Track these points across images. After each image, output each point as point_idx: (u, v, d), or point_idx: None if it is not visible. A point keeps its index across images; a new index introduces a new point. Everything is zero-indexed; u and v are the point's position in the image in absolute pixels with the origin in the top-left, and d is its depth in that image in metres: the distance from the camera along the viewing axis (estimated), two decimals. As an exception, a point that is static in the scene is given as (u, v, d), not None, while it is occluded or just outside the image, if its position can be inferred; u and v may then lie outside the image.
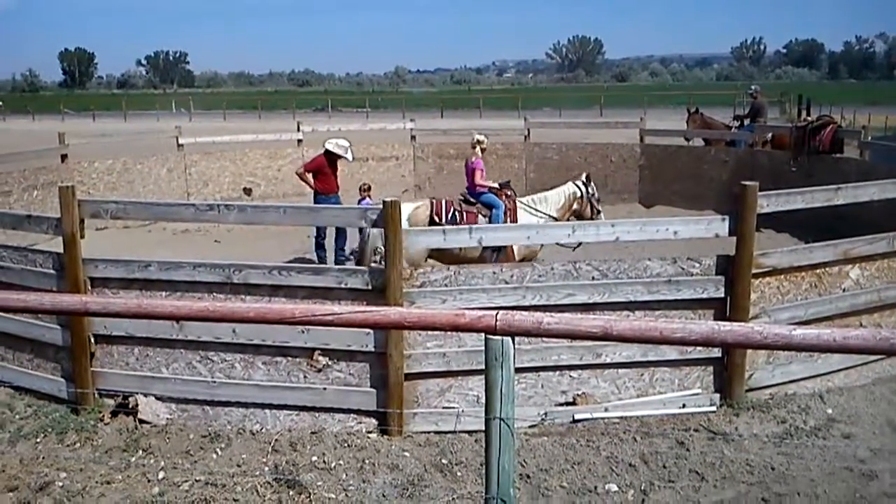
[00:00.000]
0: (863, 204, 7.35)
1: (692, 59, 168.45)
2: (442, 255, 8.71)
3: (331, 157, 12.24)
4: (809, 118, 15.77)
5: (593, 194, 10.46)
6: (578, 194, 10.36)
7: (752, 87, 20.74)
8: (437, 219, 9.43)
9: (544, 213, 10.11)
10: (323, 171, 12.26)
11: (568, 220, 10.00)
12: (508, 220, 9.67)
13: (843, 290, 6.74)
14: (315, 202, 11.85)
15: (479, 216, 9.77)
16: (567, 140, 19.11)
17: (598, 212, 10.44)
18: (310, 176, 12.24)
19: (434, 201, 9.79)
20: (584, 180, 10.52)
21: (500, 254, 8.88)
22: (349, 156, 12.38)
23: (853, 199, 6.93)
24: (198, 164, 17.78)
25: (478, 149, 10.51)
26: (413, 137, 19.36)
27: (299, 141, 18.69)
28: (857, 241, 6.72)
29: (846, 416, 6.19)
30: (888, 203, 7.72)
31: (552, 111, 54.18)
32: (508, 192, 10.27)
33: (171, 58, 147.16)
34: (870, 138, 14.75)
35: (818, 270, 6.57)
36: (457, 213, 9.67)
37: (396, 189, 18.00)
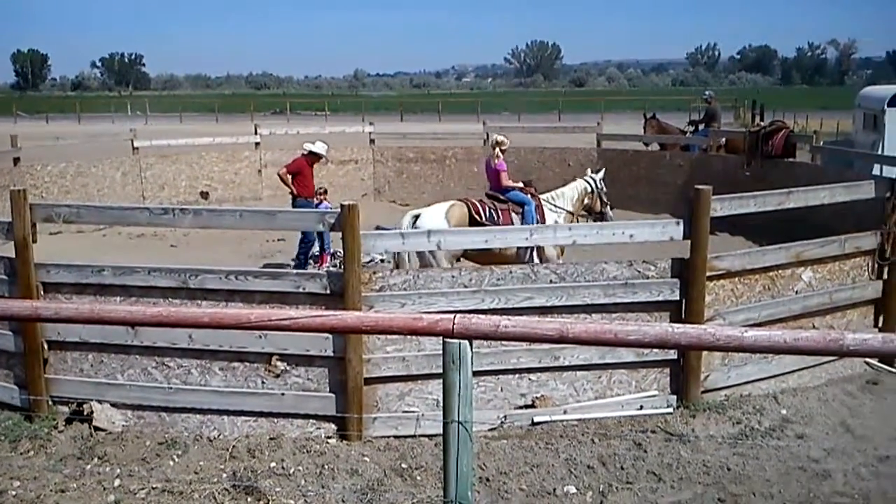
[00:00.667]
0: (816, 207, 7.50)
1: (648, 65, 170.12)
2: (479, 256, 8.83)
3: (310, 160, 12.21)
4: (762, 123, 16.05)
5: (602, 189, 10.65)
6: (589, 189, 10.56)
7: (707, 93, 21.07)
8: (477, 217, 9.55)
9: (562, 209, 10.34)
10: (303, 172, 12.19)
11: (580, 214, 10.39)
12: (538, 216, 9.91)
13: (796, 293, 6.87)
14: (293, 206, 11.77)
15: (513, 213, 9.96)
16: (525, 144, 19.22)
17: (607, 204, 10.67)
18: (289, 178, 12.14)
19: (469, 201, 9.85)
20: (593, 175, 10.74)
21: (533, 252, 9.10)
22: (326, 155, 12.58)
23: (804, 203, 7.06)
24: (153, 167, 17.59)
25: (497, 150, 10.56)
26: (372, 141, 19.37)
27: (257, 144, 18.60)
28: (809, 244, 6.86)
29: (800, 416, 6.31)
30: (840, 206, 7.89)
31: (511, 116, 54.44)
32: (532, 191, 10.44)
33: (126, 60, 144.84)
34: (821, 143, 15.04)
35: (771, 273, 6.69)
36: (492, 211, 9.81)
37: (356, 192, 17.98)
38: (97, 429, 5.98)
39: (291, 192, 12.14)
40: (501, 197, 10.17)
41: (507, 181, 10.35)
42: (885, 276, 7.40)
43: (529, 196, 10.21)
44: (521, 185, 10.49)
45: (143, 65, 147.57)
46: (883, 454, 5.67)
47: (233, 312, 3.48)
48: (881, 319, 7.52)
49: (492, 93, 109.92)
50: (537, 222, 9.63)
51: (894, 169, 9.28)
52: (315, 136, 22.17)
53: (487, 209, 9.77)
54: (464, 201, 9.84)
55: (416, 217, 9.44)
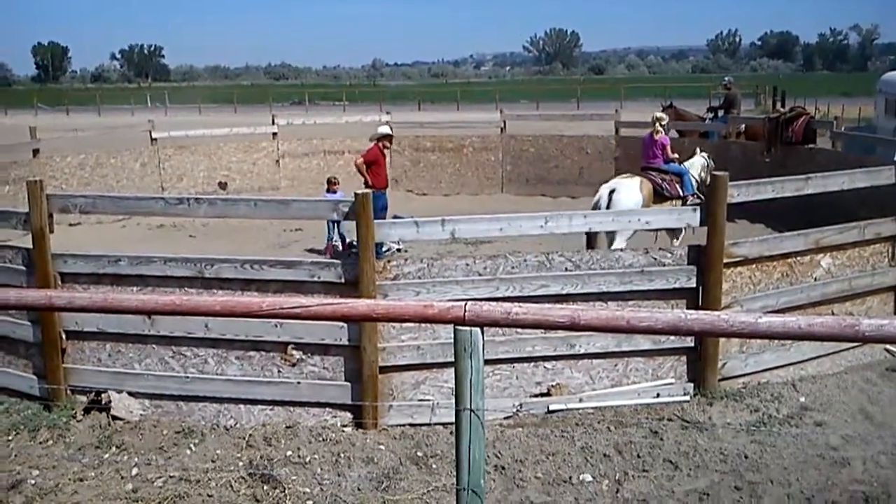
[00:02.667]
0: (837, 194, 7.42)
1: (668, 52, 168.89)
2: None
3: (382, 148, 11.98)
4: (782, 109, 15.88)
5: (712, 165, 11.55)
6: (705, 164, 11.66)
7: (726, 79, 20.88)
8: (658, 189, 10.58)
9: (696, 178, 11.36)
10: (378, 162, 11.92)
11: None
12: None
13: (815, 279, 6.80)
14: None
15: (676, 184, 10.90)
16: (543, 132, 19.16)
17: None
18: (364, 168, 11.80)
19: (647, 176, 10.66)
20: (703, 153, 11.99)
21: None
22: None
23: (822, 189, 6.98)
24: (171, 158, 17.67)
25: (658, 125, 11.52)
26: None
27: (274, 134, 18.65)
28: (827, 230, 6.79)
29: (818, 404, 6.25)
30: (861, 192, 7.79)
31: (529, 104, 54.19)
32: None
33: (145, 51, 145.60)
34: (842, 129, 14.87)
35: (789, 260, 6.62)
36: (665, 183, 10.77)
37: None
38: (115, 418, 6.02)
39: (367, 184, 11.50)
40: (664, 168, 11.07)
41: (670, 153, 11.34)
42: (906, 263, 7.31)
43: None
44: (677, 156, 11.54)
45: (163, 56, 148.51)
46: (902, 442, 5.62)
47: (244, 301, 3.49)
48: (902, 306, 7.43)
49: (510, 81, 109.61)
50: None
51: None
52: (333, 125, 22.33)
53: (662, 181, 10.67)
54: (643, 176, 10.63)
55: (612, 191, 10.06)
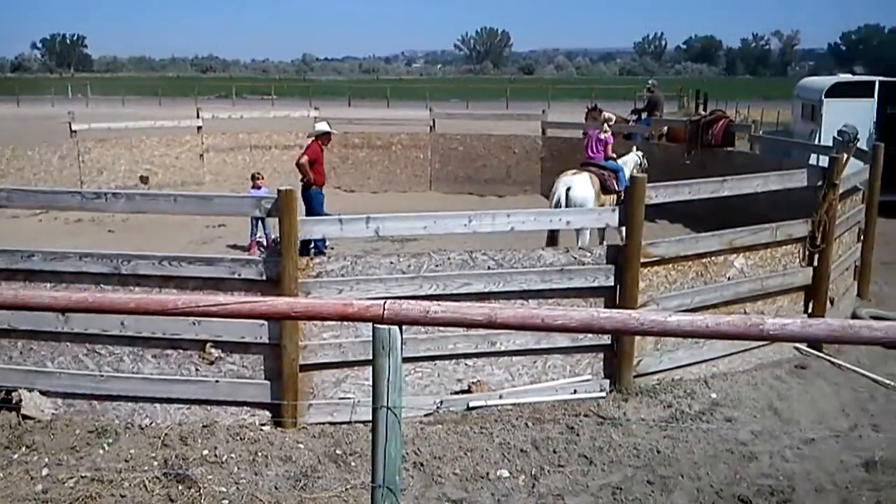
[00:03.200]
0: (755, 196, 7.66)
1: (597, 54, 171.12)
2: None
3: (321, 145, 11.84)
4: (703, 113, 16.28)
5: (645, 164, 12.43)
6: (639, 161, 12.40)
7: (650, 82, 21.31)
8: (603, 184, 11.13)
9: (629, 174, 11.57)
10: (319, 160, 11.74)
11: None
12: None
13: (728, 279, 7.02)
14: (308, 196, 11.26)
15: (613, 180, 11.43)
16: (472, 131, 19.24)
17: None
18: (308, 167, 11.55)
19: (589, 172, 11.13)
20: (638, 152, 12.72)
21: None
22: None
23: (738, 191, 7.21)
24: (91, 151, 17.20)
25: (606, 125, 12.27)
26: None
27: (199, 128, 18.32)
28: (741, 231, 7.01)
29: (729, 400, 6.46)
30: (778, 195, 8.06)
31: (459, 102, 54.36)
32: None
33: (67, 41, 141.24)
34: (760, 132, 15.32)
35: (704, 259, 6.82)
36: (607, 179, 11.26)
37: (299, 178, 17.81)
38: (25, 417, 5.86)
39: (308, 181, 11.42)
40: (602, 164, 11.60)
41: (611, 152, 11.96)
42: (815, 264, 7.59)
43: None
44: (614, 155, 12.12)
45: (86, 46, 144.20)
46: (808, 437, 5.84)
47: (159, 298, 3.44)
48: (811, 305, 7.71)
49: (441, 79, 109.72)
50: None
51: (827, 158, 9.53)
52: (259, 120, 22.06)
53: (605, 177, 11.22)
54: (589, 171, 11.15)
55: (569, 188, 10.58)
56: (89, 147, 17.21)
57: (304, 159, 11.56)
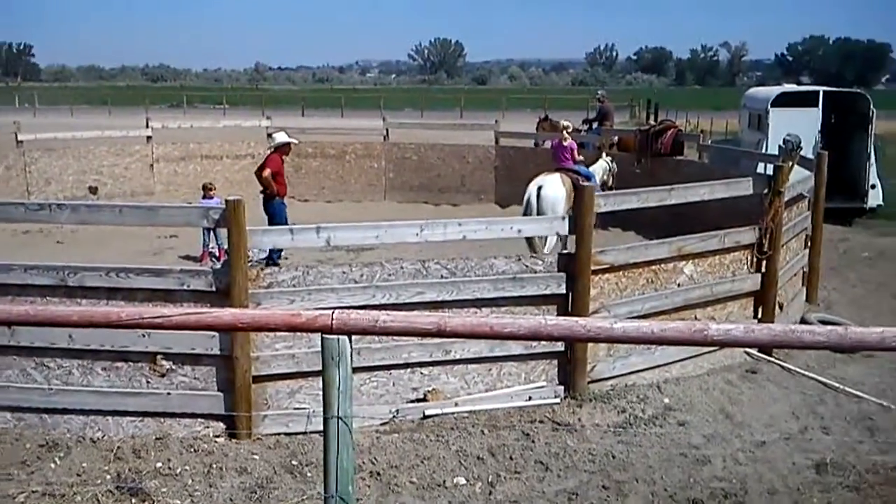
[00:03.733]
0: (706, 204, 7.78)
1: (549, 64, 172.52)
2: None
3: (282, 155, 11.75)
4: (653, 122, 16.51)
5: (615, 169, 13.44)
6: (607, 168, 13.35)
7: (599, 93, 21.59)
8: (575, 185, 10.86)
9: (599, 179, 12.78)
10: (281, 171, 11.66)
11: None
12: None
13: (678, 286, 7.11)
14: (272, 208, 11.27)
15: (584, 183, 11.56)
16: (426, 141, 19.30)
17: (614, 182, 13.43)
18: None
19: (561, 174, 11.46)
20: (608, 158, 13.62)
21: None
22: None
23: (685, 199, 7.32)
24: (38, 161, 16.90)
25: (565, 133, 12.91)
26: (269, 135, 19.01)
27: (148, 137, 18.09)
28: (690, 238, 7.11)
29: (682, 404, 6.54)
30: (728, 203, 8.19)
31: (414, 112, 54.46)
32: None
33: (14, 49, 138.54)
34: (708, 142, 15.58)
35: (654, 267, 6.90)
36: (577, 180, 10.91)
37: (253, 188, 17.65)
38: (-27, 432, 5.72)
39: (272, 193, 11.34)
40: (573, 168, 12.01)
41: (578, 156, 12.53)
42: (763, 270, 7.73)
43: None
44: (582, 159, 12.83)
45: (33, 55, 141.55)
46: (759, 440, 5.93)
47: (102, 310, 3.39)
48: (760, 311, 7.84)
49: (395, 89, 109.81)
50: None
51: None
52: (211, 129, 21.84)
53: (577, 179, 10.98)
54: (560, 172, 11.53)
55: (540, 187, 10.98)
56: (36, 157, 16.90)
57: (268, 172, 11.43)
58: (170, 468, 5.40)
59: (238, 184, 16.81)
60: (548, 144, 19.00)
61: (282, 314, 3.31)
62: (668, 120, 17.97)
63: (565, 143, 12.55)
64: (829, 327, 3.08)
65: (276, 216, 11.21)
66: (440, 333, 3.18)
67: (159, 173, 18.02)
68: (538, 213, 10.57)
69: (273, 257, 11.05)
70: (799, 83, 28.90)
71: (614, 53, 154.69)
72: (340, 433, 3.23)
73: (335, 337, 3.18)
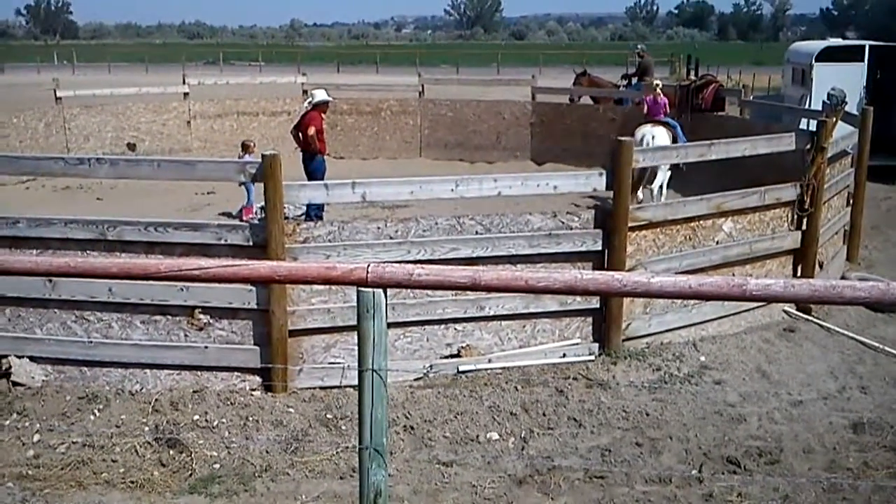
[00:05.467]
0: (746, 160, 7.63)
1: (588, 19, 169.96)
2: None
3: (321, 113, 11.81)
4: (693, 78, 16.21)
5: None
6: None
7: (639, 47, 21.20)
8: (673, 137, 12.23)
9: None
10: (321, 129, 11.73)
11: None
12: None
13: (717, 243, 7.02)
14: (313, 165, 11.41)
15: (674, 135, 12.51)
16: (461, 97, 19.14)
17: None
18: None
19: (665, 127, 12.36)
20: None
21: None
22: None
23: (725, 155, 7.19)
24: (77, 118, 17.03)
25: (658, 90, 13.95)
26: (305, 92, 18.99)
27: (185, 94, 18.16)
28: (729, 195, 6.99)
29: (718, 363, 6.49)
30: (768, 159, 8.04)
31: (450, 68, 54.04)
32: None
33: (52, 7, 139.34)
34: (751, 97, 15.27)
35: (692, 224, 6.81)
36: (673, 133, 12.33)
37: (288, 145, 17.68)
38: (16, 384, 5.86)
39: (314, 150, 11.46)
40: (665, 121, 12.76)
41: (668, 110, 13.54)
42: (804, 227, 7.59)
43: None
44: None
45: (71, 13, 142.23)
46: (796, 399, 5.88)
47: (142, 262, 3.42)
48: (799, 269, 7.73)
49: (431, 45, 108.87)
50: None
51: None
52: (247, 86, 21.88)
53: (674, 132, 12.28)
54: (660, 125, 12.40)
55: (653, 136, 11.87)
56: (75, 114, 17.05)
57: (313, 130, 11.46)
58: (206, 420, 5.49)
59: (274, 140, 16.83)
60: (587, 100, 18.86)
61: (317, 267, 3.31)
62: (708, 75, 17.62)
63: (659, 100, 13.70)
64: (870, 283, 3.00)
65: (316, 172, 11.27)
66: (474, 287, 3.16)
67: (196, 130, 18.11)
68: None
69: (311, 213, 11.08)
70: (844, 38, 28.13)
71: (655, 7, 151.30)
72: (375, 386, 3.24)
73: (370, 290, 3.18)
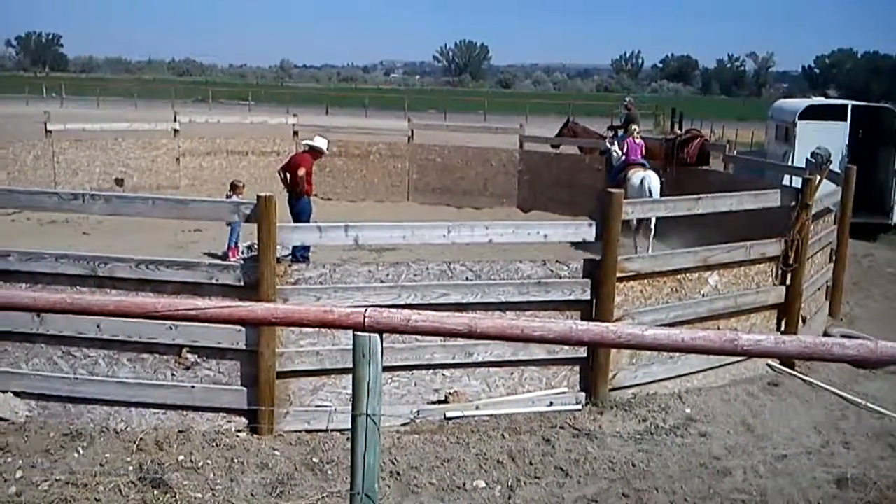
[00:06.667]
0: (730, 214, 7.75)
1: (574, 70, 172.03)
2: None
3: (313, 157, 12.01)
4: (678, 131, 16.45)
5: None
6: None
7: (626, 99, 21.47)
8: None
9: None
10: (311, 171, 11.93)
11: None
12: None
13: (703, 296, 7.09)
14: (299, 206, 11.53)
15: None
16: (450, 143, 19.30)
17: None
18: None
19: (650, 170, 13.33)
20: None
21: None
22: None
23: (712, 209, 7.30)
24: (66, 151, 17.05)
25: (635, 133, 14.62)
26: (296, 133, 19.10)
27: (175, 131, 18.20)
28: (715, 248, 7.09)
29: (703, 415, 6.52)
30: (753, 214, 8.17)
31: (437, 114, 54.46)
32: None
33: (43, 40, 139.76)
34: (735, 152, 15.51)
35: (679, 276, 6.89)
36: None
37: (278, 185, 17.75)
38: (-1, 419, 5.79)
39: (300, 191, 11.65)
40: (642, 162, 13.64)
41: (644, 152, 14.14)
42: (788, 282, 7.69)
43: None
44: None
45: (61, 45, 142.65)
46: (781, 453, 5.90)
47: (139, 301, 3.43)
48: (783, 323, 7.81)
49: (419, 90, 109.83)
50: None
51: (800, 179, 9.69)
52: (237, 125, 21.97)
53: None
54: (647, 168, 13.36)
55: (645, 178, 12.98)
56: (64, 147, 17.05)
57: (303, 171, 11.62)
58: (192, 461, 5.43)
59: (263, 180, 16.87)
60: (576, 150, 19.04)
61: (315, 310, 3.33)
62: (694, 129, 17.89)
63: (638, 141, 14.35)
64: (858, 341, 3.08)
65: (302, 214, 11.36)
66: (471, 334, 3.20)
67: (185, 167, 18.13)
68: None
69: (297, 255, 11.11)
70: (826, 96, 28.74)
71: (640, 61, 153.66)
72: (368, 431, 3.25)
73: (367, 334, 3.20)
